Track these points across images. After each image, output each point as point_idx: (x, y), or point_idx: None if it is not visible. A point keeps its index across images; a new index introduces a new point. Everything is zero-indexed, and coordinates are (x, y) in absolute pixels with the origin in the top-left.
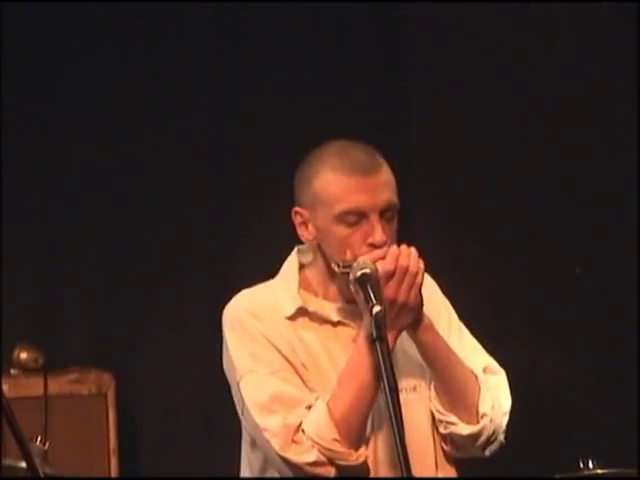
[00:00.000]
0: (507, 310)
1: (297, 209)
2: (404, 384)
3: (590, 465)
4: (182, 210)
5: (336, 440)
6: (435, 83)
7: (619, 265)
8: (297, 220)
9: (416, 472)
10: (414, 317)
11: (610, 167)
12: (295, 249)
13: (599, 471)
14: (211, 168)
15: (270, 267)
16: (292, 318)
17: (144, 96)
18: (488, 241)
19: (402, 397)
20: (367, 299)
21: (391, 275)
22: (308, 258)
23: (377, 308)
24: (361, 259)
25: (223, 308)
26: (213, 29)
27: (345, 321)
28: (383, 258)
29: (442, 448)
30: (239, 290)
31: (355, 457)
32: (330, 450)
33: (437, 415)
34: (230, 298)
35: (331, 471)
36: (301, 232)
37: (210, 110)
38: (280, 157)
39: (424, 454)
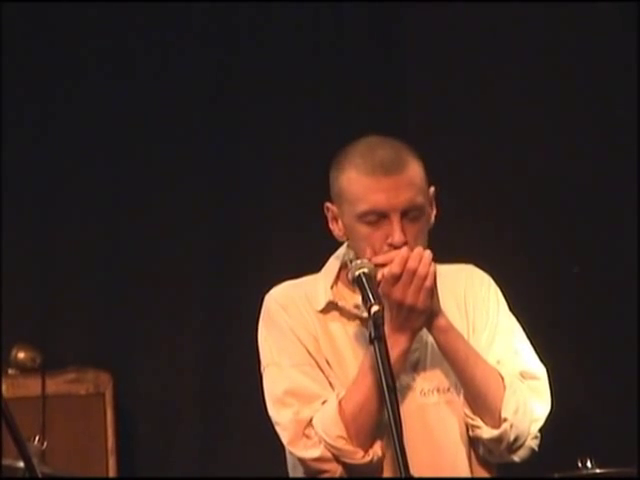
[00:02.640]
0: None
1: (328, 204)
2: (437, 385)
3: (589, 465)
4: (181, 211)
5: (342, 437)
6: (434, 82)
7: (618, 264)
8: (329, 215)
9: (447, 473)
10: (427, 319)
11: (609, 166)
12: (345, 244)
13: (598, 470)
14: (209, 169)
15: (272, 269)
16: (324, 312)
17: (144, 97)
18: (486, 239)
19: (435, 398)
20: (365, 299)
21: (398, 278)
22: (351, 254)
23: (375, 308)
24: (360, 259)
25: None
26: (214, 29)
27: None
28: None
29: (475, 451)
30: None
31: (361, 456)
32: (334, 447)
33: (465, 418)
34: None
35: (337, 468)
36: (332, 227)
37: (206, 105)
38: (279, 156)
39: (455, 456)
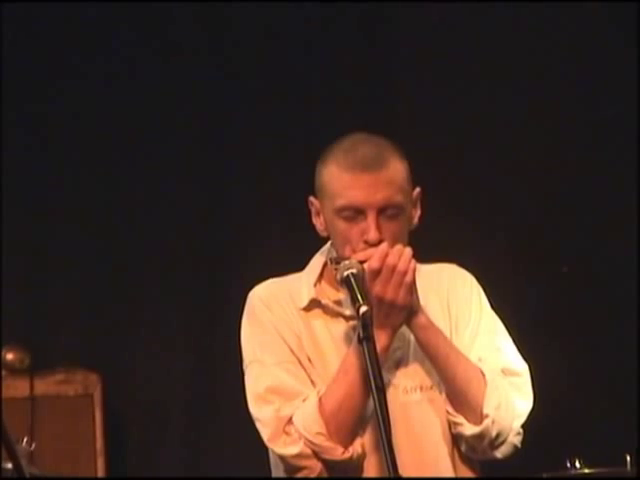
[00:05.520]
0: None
1: (311, 198)
2: (420, 382)
3: (577, 464)
4: (169, 212)
5: (321, 434)
6: (419, 80)
7: (606, 263)
8: (312, 209)
9: (429, 471)
10: (407, 315)
11: (596, 166)
12: (329, 242)
13: (586, 470)
14: (194, 168)
15: (258, 268)
16: (307, 309)
17: (140, 94)
18: (472, 239)
19: (417, 396)
20: (354, 299)
21: (377, 273)
22: (334, 252)
23: (364, 308)
24: (349, 259)
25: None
26: (204, 27)
27: None
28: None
29: (458, 448)
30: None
31: (341, 452)
32: (314, 443)
33: (447, 415)
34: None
35: (316, 465)
36: (315, 221)
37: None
38: (264, 155)
39: (437, 454)
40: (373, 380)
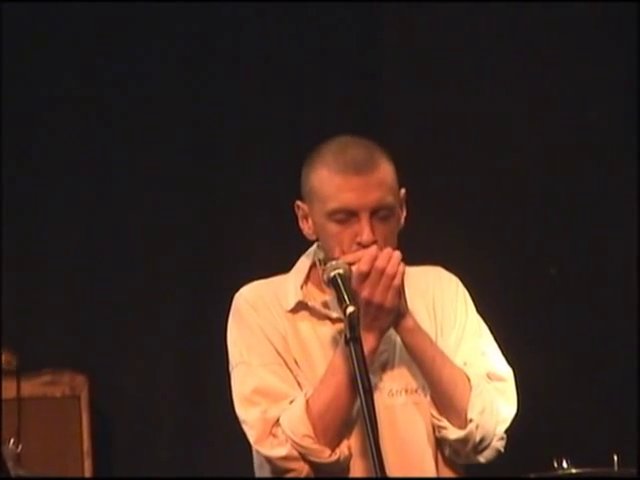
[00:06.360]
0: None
1: (298, 202)
2: (405, 386)
3: (564, 464)
4: (155, 211)
5: (308, 436)
6: (404, 84)
7: (594, 266)
8: (299, 213)
9: (414, 473)
10: (394, 318)
11: (584, 166)
12: (315, 244)
13: (573, 470)
14: (182, 169)
15: (244, 269)
16: (293, 311)
17: (125, 90)
18: (463, 241)
19: (402, 399)
20: (341, 300)
21: (366, 276)
22: (321, 254)
23: (350, 309)
24: (335, 260)
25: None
26: (196, 27)
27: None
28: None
29: (442, 452)
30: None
31: (328, 455)
32: (301, 445)
33: (432, 419)
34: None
35: (303, 467)
36: (302, 225)
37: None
38: (249, 156)
39: (422, 457)
40: (360, 381)
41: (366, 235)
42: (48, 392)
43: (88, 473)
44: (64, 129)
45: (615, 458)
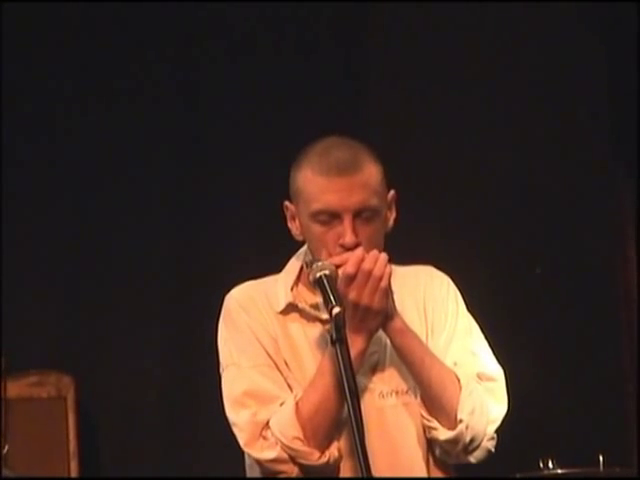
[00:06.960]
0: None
1: (287, 203)
2: (395, 387)
3: (550, 465)
4: (141, 211)
5: (298, 438)
6: (389, 84)
7: (580, 265)
8: (288, 214)
9: (404, 475)
10: (382, 320)
11: (572, 166)
12: (305, 245)
13: (559, 471)
14: (172, 169)
15: (234, 270)
16: (284, 313)
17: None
18: (450, 242)
19: (393, 400)
20: (327, 301)
21: (352, 278)
22: (310, 255)
23: (336, 309)
24: (322, 261)
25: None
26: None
27: None
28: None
29: (432, 453)
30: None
31: (317, 457)
32: (291, 448)
33: (422, 419)
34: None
35: (293, 469)
36: (290, 226)
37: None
38: (236, 157)
39: (413, 458)
40: (346, 382)
41: (348, 237)
42: (34, 393)
43: (74, 474)
44: (48, 131)
45: (601, 458)
